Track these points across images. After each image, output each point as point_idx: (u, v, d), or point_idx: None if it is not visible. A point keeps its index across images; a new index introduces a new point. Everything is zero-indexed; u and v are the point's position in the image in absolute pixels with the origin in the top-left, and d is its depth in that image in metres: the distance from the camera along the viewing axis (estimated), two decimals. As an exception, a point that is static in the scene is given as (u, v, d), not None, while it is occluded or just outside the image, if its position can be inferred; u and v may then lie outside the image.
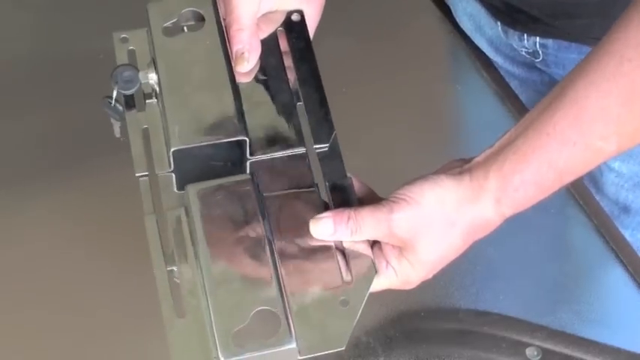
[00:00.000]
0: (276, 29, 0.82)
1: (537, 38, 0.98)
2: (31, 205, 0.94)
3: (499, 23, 1.01)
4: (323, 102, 0.78)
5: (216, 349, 0.68)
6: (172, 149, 0.73)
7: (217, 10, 0.79)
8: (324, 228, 0.72)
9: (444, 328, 0.82)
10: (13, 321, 0.86)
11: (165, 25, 0.78)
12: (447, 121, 1.04)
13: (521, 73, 1.07)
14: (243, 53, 0.78)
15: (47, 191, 0.95)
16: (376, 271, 0.72)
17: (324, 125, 0.78)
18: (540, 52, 0.99)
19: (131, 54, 0.80)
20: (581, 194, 0.89)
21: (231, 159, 0.76)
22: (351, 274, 0.72)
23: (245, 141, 0.74)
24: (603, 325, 0.82)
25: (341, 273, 0.72)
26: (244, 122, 0.75)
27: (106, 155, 0.97)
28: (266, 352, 0.68)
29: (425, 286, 0.84)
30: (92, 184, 0.95)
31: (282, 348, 0.68)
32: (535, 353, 0.79)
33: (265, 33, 0.81)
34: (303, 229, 0.73)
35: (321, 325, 0.70)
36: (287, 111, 0.78)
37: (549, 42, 0.97)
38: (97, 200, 0.94)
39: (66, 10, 1.12)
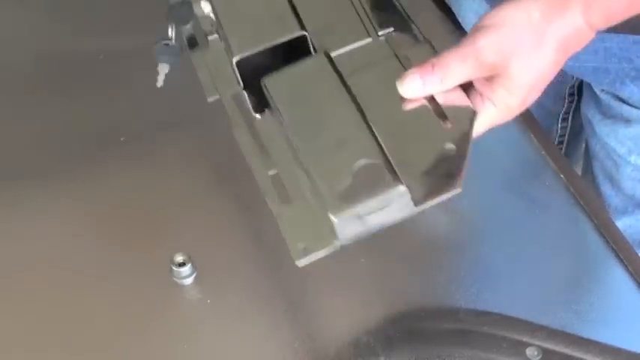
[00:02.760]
0: None
1: None
2: (31, 205, 0.94)
3: None
4: None
5: (327, 211, 0.67)
6: (235, 59, 0.73)
7: None
8: (413, 83, 0.70)
9: (444, 328, 0.82)
10: (13, 321, 0.86)
11: None
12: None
13: None
14: None
15: (47, 191, 0.95)
16: (474, 111, 0.70)
17: (384, 10, 0.77)
18: None
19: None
20: (582, 194, 0.89)
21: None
22: (450, 122, 0.70)
23: (304, 36, 0.73)
24: (603, 325, 0.82)
25: (440, 122, 0.70)
26: (300, 18, 0.74)
27: (107, 155, 0.97)
28: (374, 199, 0.66)
29: (425, 286, 0.85)
30: (92, 184, 0.95)
31: (391, 191, 0.67)
32: (535, 353, 0.79)
33: None
34: (391, 94, 0.71)
35: (431, 174, 0.69)
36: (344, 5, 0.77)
37: None
38: (97, 200, 0.94)
39: (66, 10, 1.12)
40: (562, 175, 0.91)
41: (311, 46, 0.74)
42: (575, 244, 0.88)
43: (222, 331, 0.84)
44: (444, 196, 0.69)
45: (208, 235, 0.89)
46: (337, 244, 0.69)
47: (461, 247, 0.87)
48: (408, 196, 0.68)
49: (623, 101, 0.99)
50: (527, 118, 0.95)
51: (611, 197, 1.08)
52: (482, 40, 0.68)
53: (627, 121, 1.00)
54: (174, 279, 0.86)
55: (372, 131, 0.70)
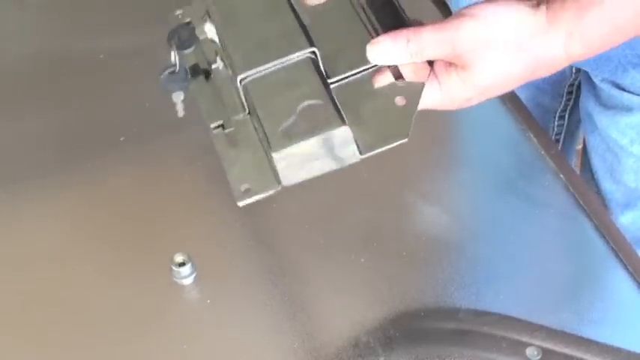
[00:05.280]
0: None
1: None
2: (31, 205, 0.94)
3: None
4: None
5: (268, 146, 0.66)
6: (239, 77, 0.71)
7: None
8: (382, 50, 0.70)
9: (444, 328, 0.82)
10: (13, 320, 0.86)
11: None
12: (446, 120, 1.04)
13: None
14: None
15: (47, 191, 0.95)
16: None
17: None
18: None
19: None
20: (581, 194, 0.89)
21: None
22: (404, 80, 0.71)
23: (315, 53, 0.71)
24: (603, 325, 0.82)
25: (394, 79, 0.70)
26: (309, 36, 0.72)
27: (106, 155, 0.97)
28: (316, 137, 0.66)
29: (425, 285, 0.85)
30: (92, 184, 0.95)
31: (333, 131, 0.66)
32: (535, 353, 0.79)
33: None
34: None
35: (379, 124, 0.69)
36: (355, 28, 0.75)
37: None
38: (97, 200, 0.94)
39: (66, 10, 1.12)
40: (562, 175, 0.91)
41: (321, 63, 0.73)
42: (575, 244, 0.88)
43: (222, 331, 0.84)
44: (390, 145, 0.69)
45: (208, 235, 0.89)
46: (278, 186, 0.69)
47: (461, 247, 0.87)
48: (352, 140, 0.67)
49: (624, 89, 0.99)
50: (526, 118, 0.95)
51: (613, 192, 1.07)
52: (464, 28, 0.68)
53: (628, 109, 1.00)
54: (175, 279, 0.86)
55: (323, 76, 0.70)
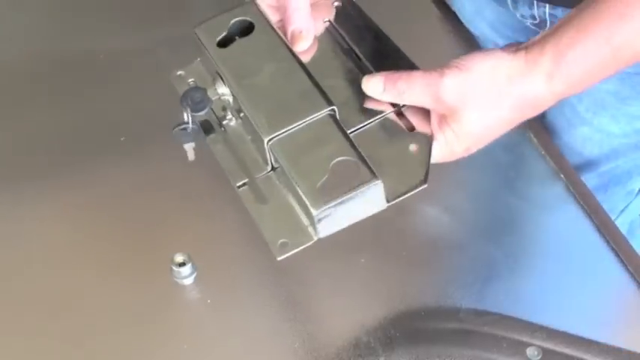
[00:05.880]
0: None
1: (547, 6, 0.98)
2: (31, 205, 0.94)
3: None
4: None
5: (307, 206, 0.71)
6: (266, 139, 0.74)
7: (264, 13, 0.81)
8: (375, 85, 0.75)
9: (445, 328, 0.82)
10: (12, 321, 0.86)
11: (217, 40, 0.81)
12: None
13: None
14: (300, 32, 0.80)
15: (46, 191, 0.95)
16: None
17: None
18: (549, 22, 0.99)
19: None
20: (582, 194, 0.89)
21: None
22: (414, 129, 0.76)
23: (334, 110, 0.76)
24: (603, 325, 0.82)
25: (405, 129, 0.77)
26: (325, 93, 0.76)
27: (107, 155, 0.97)
28: (353, 194, 0.71)
29: (425, 285, 0.85)
30: (92, 184, 0.95)
31: (369, 186, 0.71)
32: (535, 353, 0.79)
33: (317, 20, 0.84)
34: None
35: (399, 171, 0.74)
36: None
37: (559, 11, 0.97)
38: (97, 200, 0.94)
39: (66, 10, 1.12)
40: (562, 175, 0.91)
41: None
42: (575, 244, 0.88)
43: (222, 331, 0.84)
44: (413, 192, 0.75)
45: (208, 235, 0.89)
46: (315, 237, 0.74)
47: (461, 247, 0.87)
48: (383, 192, 0.72)
49: None
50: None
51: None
52: (447, 78, 0.72)
53: None
54: (175, 279, 0.86)
55: (345, 131, 0.75)
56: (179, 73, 0.85)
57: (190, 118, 0.79)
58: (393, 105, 0.79)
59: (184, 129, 0.79)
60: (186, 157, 0.95)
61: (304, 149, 0.73)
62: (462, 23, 1.07)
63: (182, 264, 0.85)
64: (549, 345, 0.80)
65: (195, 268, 0.85)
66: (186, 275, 0.85)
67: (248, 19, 0.81)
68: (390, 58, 0.81)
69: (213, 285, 0.86)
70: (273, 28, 0.81)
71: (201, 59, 0.84)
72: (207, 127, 0.82)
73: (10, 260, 0.90)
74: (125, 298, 0.86)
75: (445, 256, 0.87)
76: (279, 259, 0.74)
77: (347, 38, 0.84)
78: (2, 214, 0.94)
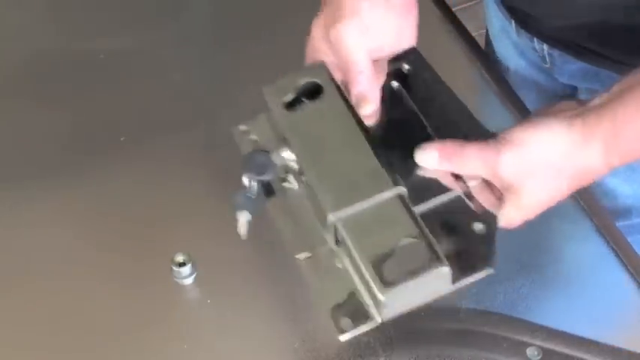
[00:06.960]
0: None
1: (545, 45, 0.98)
2: (31, 205, 0.94)
3: (513, 22, 1.00)
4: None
5: (373, 290, 0.69)
6: (330, 217, 0.72)
7: (332, 76, 0.79)
8: (429, 156, 0.74)
9: (444, 328, 0.82)
10: (13, 321, 0.86)
11: (284, 101, 0.78)
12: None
13: (542, 80, 1.07)
14: (365, 95, 0.78)
15: (47, 191, 0.95)
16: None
17: None
18: (548, 58, 0.99)
19: (254, 144, 0.81)
20: (582, 194, 0.89)
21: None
22: (478, 205, 0.75)
23: (404, 192, 0.73)
24: (603, 325, 0.82)
25: (468, 206, 0.75)
26: (395, 173, 0.74)
27: (107, 155, 0.97)
28: (418, 278, 0.69)
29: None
30: (92, 184, 0.95)
31: (434, 271, 0.69)
32: (536, 353, 0.79)
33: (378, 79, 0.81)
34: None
35: (465, 253, 0.73)
36: None
37: (556, 52, 0.97)
38: (98, 200, 0.94)
39: (66, 10, 1.12)
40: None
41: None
42: (576, 244, 0.88)
43: (222, 331, 0.84)
44: (479, 277, 0.74)
45: (208, 235, 0.89)
46: (379, 320, 0.73)
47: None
48: (450, 276, 0.70)
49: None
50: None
51: None
52: (504, 155, 0.71)
53: None
54: (175, 279, 0.86)
55: (413, 212, 0.72)
56: (242, 128, 0.83)
57: (250, 183, 0.75)
58: (458, 177, 0.77)
59: (245, 194, 0.76)
60: (186, 157, 0.95)
61: (371, 230, 0.71)
62: (462, 23, 1.07)
63: (182, 264, 0.85)
64: (549, 345, 0.79)
65: (195, 268, 0.85)
66: (186, 275, 0.85)
67: (317, 81, 0.78)
68: (460, 125, 0.78)
69: (213, 285, 0.86)
70: (341, 91, 0.78)
71: (267, 116, 0.81)
72: (269, 190, 0.79)
73: (10, 260, 0.90)
74: (125, 298, 0.86)
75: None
76: (341, 339, 0.73)
77: (412, 100, 0.82)
78: (2, 214, 0.94)
